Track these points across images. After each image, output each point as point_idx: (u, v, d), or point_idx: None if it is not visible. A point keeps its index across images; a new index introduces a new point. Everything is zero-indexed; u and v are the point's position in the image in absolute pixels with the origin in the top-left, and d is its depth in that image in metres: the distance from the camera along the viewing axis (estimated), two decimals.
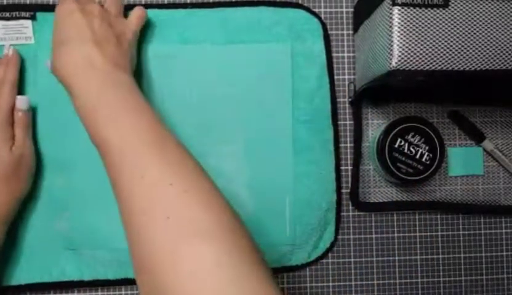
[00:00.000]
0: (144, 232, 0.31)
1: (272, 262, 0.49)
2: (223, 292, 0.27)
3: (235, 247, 0.29)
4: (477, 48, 0.39)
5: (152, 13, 0.49)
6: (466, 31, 0.39)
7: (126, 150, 0.34)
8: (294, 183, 0.50)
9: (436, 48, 0.39)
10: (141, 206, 0.31)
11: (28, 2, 0.49)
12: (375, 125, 0.52)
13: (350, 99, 0.52)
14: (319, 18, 0.51)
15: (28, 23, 0.48)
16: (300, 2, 0.51)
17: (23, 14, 0.48)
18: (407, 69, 0.39)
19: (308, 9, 0.51)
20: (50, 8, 0.49)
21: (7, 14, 0.48)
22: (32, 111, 0.48)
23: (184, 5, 0.50)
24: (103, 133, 0.35)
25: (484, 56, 0.39)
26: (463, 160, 0.53)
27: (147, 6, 0.49)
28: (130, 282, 0.49)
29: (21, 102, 0.45)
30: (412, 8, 0.39)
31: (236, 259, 0.29)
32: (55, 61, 0.40)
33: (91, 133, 0.36)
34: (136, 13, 0.47)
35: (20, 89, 0.48)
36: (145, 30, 0.49)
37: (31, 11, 0.48)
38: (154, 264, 0.29)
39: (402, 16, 0.39)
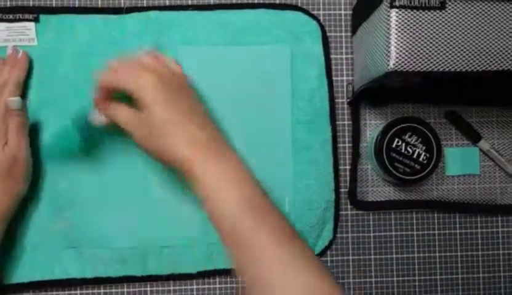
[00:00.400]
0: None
1: None
2: None
3: None
4: (473, 50, 0.40)
5: (153, 15, 0.50)
6: (463, 33, 0.40)
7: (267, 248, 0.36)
8: (293, 182, 0.50)
9: (433, 49, 0.39)
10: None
11: (31, 4, 0.50)
12: (372, 125, 0.53)
13: (348, 100, 0.52)
14: (318, 21, 0.52)
15: (31, 25, 0.48)
16: (299, 4, 0.52)
17: (27, 16, 0.48)
18: (405, 70, 0.39)
19: (306, 12, 0.51)
20: (53, 10, 0.49)
21: (11, 16, 0.48)
22: (34, 112, 0.48)
23: (185, 8, 0.50)
24: (246, 235, 0.37)
25: (480, 57, 0.40)
26: (459, 160, 0.53)
27: (149, 8, 0.50)
28: (131, 280, 0.49)
29: (12, 103, 0.44)
30: (409, 10, 0.40)
31: None
32: (161, 141, 0.39)
33: (225, 228, 0.37)
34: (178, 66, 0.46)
35: (22, 90, 0.48)
36: (146, 32, 0.49)
37: (35, 14, 0.49)
38: None
39: (400, 19, 0.39)
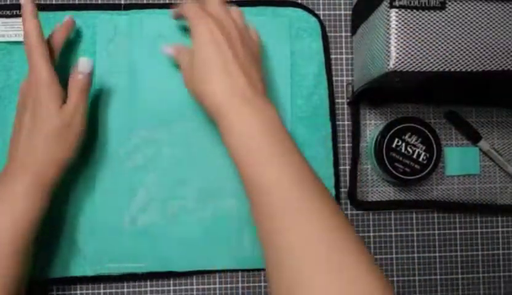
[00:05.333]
0: (307, 280, 0.32)
1: None
2: None
3: (375, 288, 0.31)
4: (473, 50, 0.40)
5: (153, 13, 0.50)
6: (463, 33, 0.40)
7: (283, 188, 0.35)
8: None
9: (433, 49, 0.40)
10: (293, 244, 0.33)
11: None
12: (372, 125, 0.53)
13: (348, 100, 0.52)
14: (318, 17, 0.52)
15: None
16: (299, 1, 0.52)
17: None
18: (404, 70, 0.40)
19: (306, 8, 0.51)
20: (52, 7, 0.50)
21: (8, 12, 0.49)
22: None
23: None
24: (260, 173, 0.35)
25: (481, 57, 0.40)
26: (459, 160, 0.53)
27: (148, 6, 0.50)
28: (131, 278, 0.50)
29: (83, 63, 0.43)
30: (409, 10, 0.40)
31: None
32: (202, 86, 0.39)
33: (246, 171, 0.36)
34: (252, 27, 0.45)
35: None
36: (144, 30, 0.50)
37: None
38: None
39: (400, 19, 0.39)
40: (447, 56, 0.40)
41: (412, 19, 0.39)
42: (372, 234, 0.52)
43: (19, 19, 0.48)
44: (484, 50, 0.40)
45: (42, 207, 0.42)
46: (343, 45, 0.53)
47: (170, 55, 0.47)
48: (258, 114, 0.37)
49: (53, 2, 0.50)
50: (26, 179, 0.41)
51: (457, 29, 0.40)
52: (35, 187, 0.41)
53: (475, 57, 0.40)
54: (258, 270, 0.51)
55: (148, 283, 0.50)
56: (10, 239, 0.40)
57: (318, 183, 0.36)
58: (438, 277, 0.53)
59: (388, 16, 0.40)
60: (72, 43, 0.49)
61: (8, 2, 0.50)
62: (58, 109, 0.42)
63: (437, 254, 0.53)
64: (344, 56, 0.53)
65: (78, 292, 0.49)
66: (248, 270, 0.51)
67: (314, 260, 0.32)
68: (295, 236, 0.33)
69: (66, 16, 0.48)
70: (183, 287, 0.50)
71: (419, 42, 0.39)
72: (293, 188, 0.35)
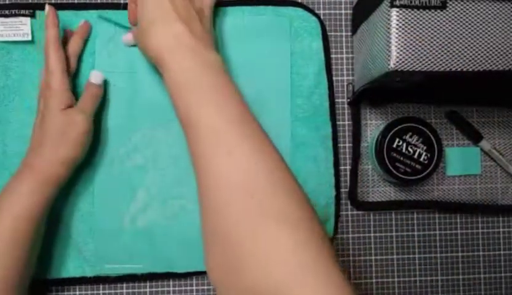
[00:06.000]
0: (225, 206, 0.32)
1: None
2: (296, 276, 0.29)
3: (312, 236, 0.31)
4: (474, 50, 0.40)
5: None
6: (464, 33, 0.40)
7: (215, 128, 0.35)
8: None
9: (434, 49, 0.39)
10: (226, 182, 0.33)
11: (30, 0, 0.50)
12: (373, 125, 0.53)
13: (349, 100, 0.52)
14: (318, 17, 0.51)
15: (27, 20, 0.48)
16: (299, 0, 0.52)
17: (22, 12, 0.48)
18: (405, 70, 0.39)
19: (306, 8, 0.51)
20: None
21: (6, 11, 0.48)
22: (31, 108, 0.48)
23: None
24: (193, 112, 0.36)
25: (482, 57, 0.40)
26: (460, 160, 0.53)
27: None
28: (131, 279, 0.49)
29: (95, 76, 0.47)
30: (410, 9, 0.39)
31: (312, 248, 0.30)
32: (146, 40, 0.40)
33: (181, 110, 0.37)
34: None
35: (19, 87, 0.49)
36: None
37: (31, 9, 0.49)
38: (230, 238, 0.31)
39: (400, 18, 0.39)
40: (447, 56, 0.40)
41: (412, 18, 0.39)
42: (372, 234, 0.52)
43: (18, 19, 0.48)
44: (485, 50, 0.40)
45: (46, 205, 0.43)
46: (344, 44, 0.52)
47: (130, 42, 0.49)
48: (197, 56, 0.38)
49: (53, 2, 0.50)
50: (31, 177, 0.42)
51: (458, 28, 0.40)
52: (39, 185, 0.42)
53: (476, 57, 0.40)
54: None
55: (148, 283, 0.50)
56: (10, 235, 0.41)
57: (256, 126, 0.36)
58: (439, 278, 0.52)
59: (389, 15, 0.40)
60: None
61: (7, 2, 0.50)
62: (63, 111, 0.44)
63: (438, 255, 0.53)
64: (344, 55, 0.52)
65: (77, 292, 0.49)
66: None
67: (242, 194, 0.32)
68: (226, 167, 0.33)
69: (81, 20, 0.49)
70: (183, 288, 0.50)
71: (420, 42, 0.39)
72: (227, 128, 0.35)
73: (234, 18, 0.51)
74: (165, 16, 0.40)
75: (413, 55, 0.39)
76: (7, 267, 0.41)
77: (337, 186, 0.51)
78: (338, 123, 0.52)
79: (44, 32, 0.45)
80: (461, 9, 0.40)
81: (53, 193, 0.44)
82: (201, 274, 0.50)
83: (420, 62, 0.39)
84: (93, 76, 0.47)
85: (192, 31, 0.40)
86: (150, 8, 0.41)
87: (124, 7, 0.50)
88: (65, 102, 0.44)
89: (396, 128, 0.48)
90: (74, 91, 0.47)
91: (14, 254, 0.41)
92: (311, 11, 0.51)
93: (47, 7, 0.46)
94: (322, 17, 0.52)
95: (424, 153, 0.49)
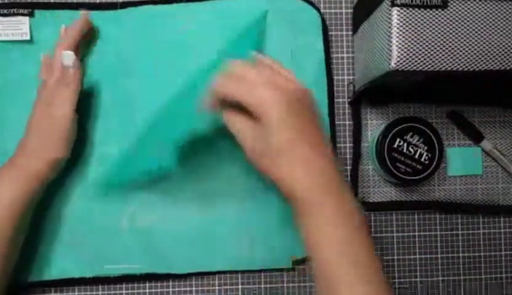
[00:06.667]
0: None
1: (271, 260, 0.50)
2: None
3: None
4: (475, 49, 0.40)
5: (149, 10, 0.50)
6: (465, 32, 0.40)
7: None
8: None
9: (435, 48, 0.39)
10: None
11: (29, 0, 0.50)
12: (374, 125, 0.52)
13: (349, 100, 0.52)
14: (318, 10, 0.51)
15: (25, 19, 0.48)
16: None
17: (21, 11, 0.48)
18: (406, 69, 0.39)
19: (306, 1, 0.51)
20: (48, 6, 0.49)
21: (5, 11, 0.48)
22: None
23: (179, 0, 0.50)
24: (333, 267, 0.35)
25: (483, 56, 0.40)
26: (461, 160, 0.53)
27: (143, 3, 0.50)
28: (130, 280, 0.49)
29: (66, 56, 0.44)
30: (410, 9, 0.39)
31: None
32: (271, 169, 0.37)
33: (317, 262, 0.36)
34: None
35: (18, 86, 0.48)
36: (142, 28, 0.49)
37: (29, 9, 0.48)
38: None
39: (401, 17, 0.39)
40: (449, 55, 0.39)
41: (413, 17, 0.39)
42: (373, 235, 0.52)
43: (17, 18, 0.48)
44: (486, 49, 0.40)
45: (27, 201, 0.42)
46: (344, 43, 0.52)
47: (211, 110, 0.41)
48: (340, 205, 0.36)
49: (51, 1, 0.50)
50: (12, 170, 0.43)
51: (459, 27, 0.39)
52: (20, 179, 0.42)
53: (477, 56, 0.40)
54: (258, 271, 0.50)
55: (147, 284, 0.50)
56: None
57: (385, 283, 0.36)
58: (440, 278, 0.52)
59: (390, 14, 0.40)
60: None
61: (6, 1, 0.49)
62: (46, 109, 0.43)
63: (439, 255, 0.52)
64: (345, 55, 0.52)
65: (76, 293, 0.49)
66: (247, 272, 0.50)
67: None
68: None
69: (81, 11, 0.48)
70: (182, 289, 0.50)
71: (421, 41, 0.39)
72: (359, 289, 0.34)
73: (231, 13, 0.50)
74: (303, 156, 0.36)
75: (414, 54, 0.39)
76: None
77: None
78: (338, 122, 0.52)
79: (62, 31, 0.46)
80: (462, 8, 0.40)
81: (36, 190, 0.43)
82: (200, 274, 0.50)
83: (421, 61, 0.39)
84: (65, 57, 0.44)
85: (329, 171, 0.37)
86: (285, 129, 0.36)
87: (122, 6, 0.50)
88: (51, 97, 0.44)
89: (397, 128, 0.48)
90: None
91: None
92: (311, 4, 0.51)
93: (82, 12, 0.47)
94: (322, 16, 0.52)
95: (425, 154, 0.48)
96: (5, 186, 0.42)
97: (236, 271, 0.50)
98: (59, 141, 0.44)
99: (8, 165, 0.43)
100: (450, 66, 0.40)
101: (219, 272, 0.50)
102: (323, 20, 0.51)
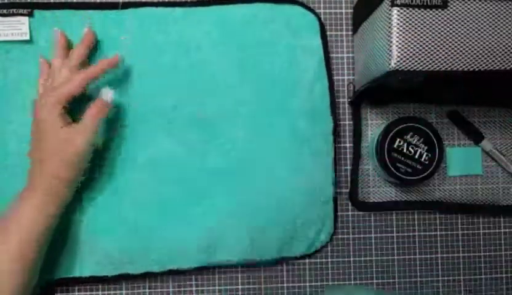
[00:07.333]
0: None
1: (272, 253, 0.50)
2: None
3: None
4: (475, 49, 0.40)
5: (150, 11, 0.50)
6: (465, 32, 0.39)
7: None
8: (293, 174, 0.50)
9: (435, 48, 0.39)
10: None
11: (28, 0, 0.50)
12: (374, 125, 0.52)
13: (349, 100, 0.52)
14: (315, 13, 0.51)
15: (25, 19, 0.48)
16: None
17: (20, 11, 0.48)
18: (406, 69, 0.39)
19: (303, 5, 0.51)
20: (48, 6, 0.49)
21: (4, 11, 0.48)
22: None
23: (183, 4, 0.50)
24: None
25: (483, 56, 0.40)
26: (461, 160, 0.53)
27: (145, 4, 0.50)
28: (130, 279, 0.49)
29: (105, 94, 0.46)
30: (410, 9, 0.39)
31: None
32: None
33: None
34: None
35: (18, 86, 0.48)
36: (143, 28, 0.49)
37: (29, 9, 0.48)
38: None
39: (401, 17, 0.39)
40: (449, 55, 0.39)
41: (413, 17, 0.39)
42: (373, 235, 0.52)
43: (16, 18, 0.48)
44: (486, 49, 0.40)
45: (47, 222, 0.43)
46: (344, 43, 0.52)
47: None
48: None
49: (51, 1, 0.50)
50: (32, 196, 0.43)
51: (459, 27, 0.39)
52: (40, 203, 0.42)
53: (477, 56, 0.40)
54: (258, 270, 0.50)
55: (147, 284, 0.50)
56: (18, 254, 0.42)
57: None
58: (440, 278, 0.52)
59: (390, 14, 0.39)
60: (70, 43, 0.49)
61: (5, 1, 0.49)
62: (59, 129, 0.43)
63: (439, 255, 0.52)
64: (345, 55, 0.52)
65: (76, 293, 0.49)
66: (248, 270, 0.50)
67: None
68: None
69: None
70: (182, 289, 0.50)
71: (421, 41, 0.39)
72: None
73: (232, 17, 0.50)
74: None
75: (414, 54, 0.39)
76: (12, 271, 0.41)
77: (337, 183, 0.51)
78: (338, 122, 0.52)
79: (58, 36, 0.46)
80: (462, 8, 0.40)
81: (56, 209, 0.44)
82: (200, 274, 0.50)
83: (421, 61, 0.39)
84: (104, 93, 0.46)
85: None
86: None
87: (123, 6, 0.50)
88: (61, 119, 0.43)
89: (397, 128, 0.48)
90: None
91: (19, 274, 0.42)
92: (309, 8, 0.51)
93: (87, 30, 0.47)
94: (322, 16, 0.52)
95: (425, 154, 0.48)
96: (29, 213, 0.42)
97: (236, 270, 0.50)
98: (72, 163, 0.44)
99: (28, 190, 0.43)
100: (450, 66, 0.39)
101: (219, 270, 0.50)
102: (321, 23, 0.51)
